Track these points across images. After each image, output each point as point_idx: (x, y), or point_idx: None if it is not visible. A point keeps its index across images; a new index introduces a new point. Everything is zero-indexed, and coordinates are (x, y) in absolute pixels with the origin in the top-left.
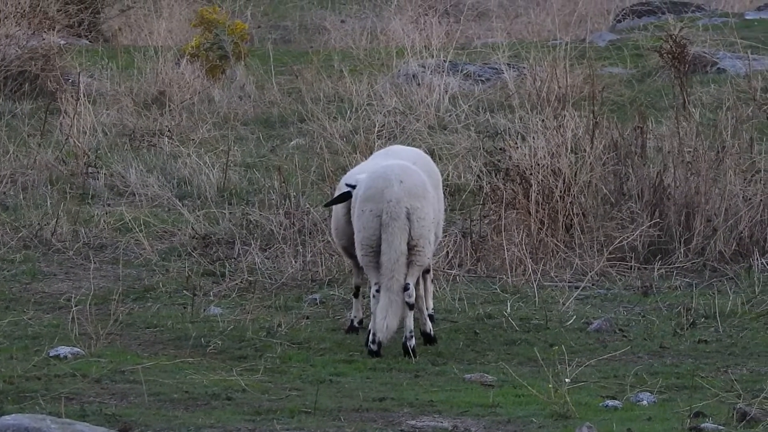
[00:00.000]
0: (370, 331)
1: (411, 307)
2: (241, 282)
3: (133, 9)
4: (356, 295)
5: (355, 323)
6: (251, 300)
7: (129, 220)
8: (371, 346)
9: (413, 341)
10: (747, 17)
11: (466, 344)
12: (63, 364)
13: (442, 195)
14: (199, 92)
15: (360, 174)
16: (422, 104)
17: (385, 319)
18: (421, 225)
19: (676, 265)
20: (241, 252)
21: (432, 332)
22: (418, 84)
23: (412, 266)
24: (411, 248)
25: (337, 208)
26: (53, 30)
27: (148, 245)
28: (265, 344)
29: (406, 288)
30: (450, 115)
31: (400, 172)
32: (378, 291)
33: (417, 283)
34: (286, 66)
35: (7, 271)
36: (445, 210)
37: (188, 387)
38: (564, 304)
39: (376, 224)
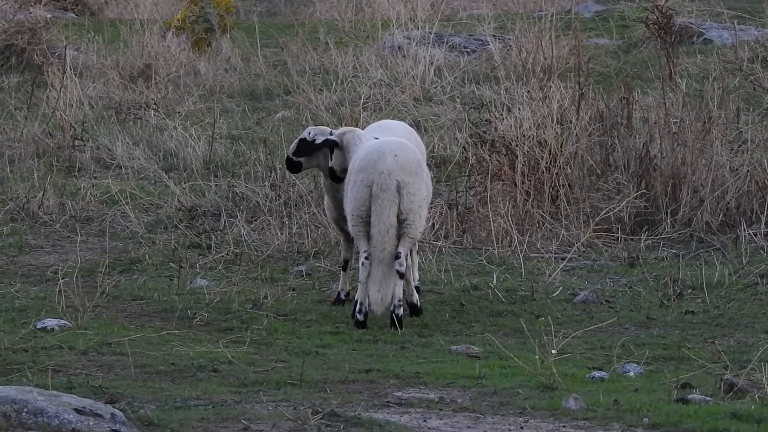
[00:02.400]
0: (357, 301)
1: (401, 276)
2: (227, 254)
3: None
4: (344, 269)
5: (342, 296)
6: (237, 272)
7: (115, 192)
8: (358, 316)
9: (401, 310)
10: None
11: (452, 316)
12: (50, 336)
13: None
14: (185, 65)
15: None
16: (408, 76)
17: (379, 291)
18: (411, 200)
19: (662, 236)
20: (227, 224)
21: (418, 303)
22: (404, 56)
23: (404, 238)
24: (401, 222)
25: (327, 184)
26: (40, 3)
27: (135, 218)
28: (252, 316)
29: (397, 257)
30: (435, 87)
31: (395, 147)
32: (366, 259)
33: None
34: (272, 38)
35: None
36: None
37: (174, 359)
38: (550, 276)
39: (366, 194)
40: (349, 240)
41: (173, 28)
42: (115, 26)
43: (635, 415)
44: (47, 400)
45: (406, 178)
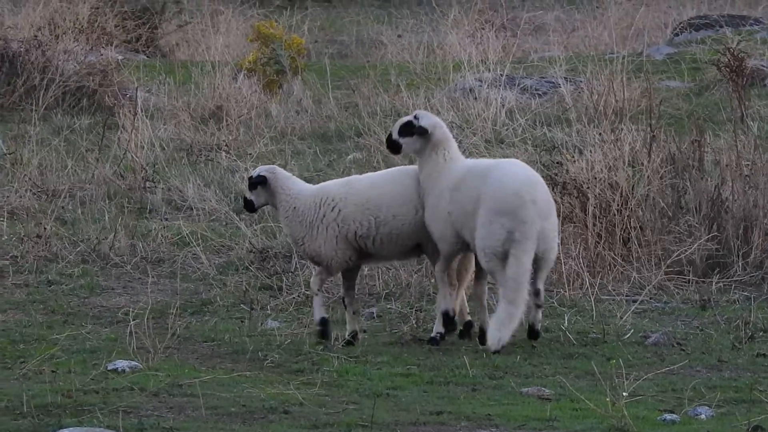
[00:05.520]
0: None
1: (539, 306)
2: (298, 296)
3: (190, 24)
4: (346, 305)
5: (356, 337)
6: (308, 314)
7: (186, 234)
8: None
9: (539, 325)
10: None
11: (524, 358)
12: (121, 377)
13: None
14: (256, 107)
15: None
16: (479, 118)
17: (499, 331)
18: (546, 241)
19: (734, 279)
20: (298, 266)
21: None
22: (475, 98)
23: (540, 271)
24: (536, 259)
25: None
26: (111, 45)
27: (206, 259)
28: (322, 358)
29: (536, 293)
30: (507, 129)
31: (531, 190)
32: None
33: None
34: (343, 80)
35: (66, 285)
36: None
37: (245, 401)
38: (621, 318)
39: (505, 237)
40: (333, 274)
41: (244, 70)
42: (186, 68)
43: None
44: None
45: (546, 224)
